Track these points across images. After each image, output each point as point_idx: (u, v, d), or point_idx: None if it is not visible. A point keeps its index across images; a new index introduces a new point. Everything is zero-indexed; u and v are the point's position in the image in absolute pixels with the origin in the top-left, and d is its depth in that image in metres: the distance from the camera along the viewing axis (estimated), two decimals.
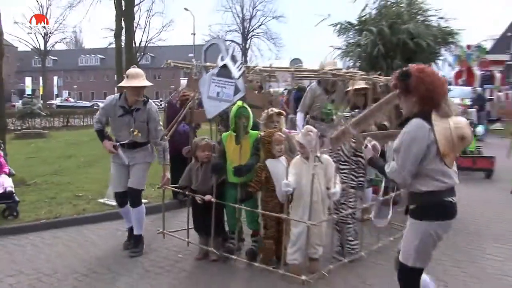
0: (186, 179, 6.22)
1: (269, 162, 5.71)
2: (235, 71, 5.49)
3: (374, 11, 9.51)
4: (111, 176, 6.62)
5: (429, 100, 3.57)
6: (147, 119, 6.22)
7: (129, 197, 6.40)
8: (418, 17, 9.39)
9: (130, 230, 6.64)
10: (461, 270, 5.78)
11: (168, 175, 6.49)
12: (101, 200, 8.70)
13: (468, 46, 28.14)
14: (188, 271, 5.80)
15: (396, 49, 8.86)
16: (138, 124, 6.19)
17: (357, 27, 9.48)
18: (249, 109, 5.88)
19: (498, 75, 30.15)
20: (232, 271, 5.74)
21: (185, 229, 6.52)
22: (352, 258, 5.98)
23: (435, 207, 3.62)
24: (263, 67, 6.16)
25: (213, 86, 5.65)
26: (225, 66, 5.58)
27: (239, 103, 5.89)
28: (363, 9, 9.52)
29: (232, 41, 64.43)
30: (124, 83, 6.15)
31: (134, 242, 6.48)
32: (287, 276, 5.40)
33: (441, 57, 10.18)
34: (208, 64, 5.89)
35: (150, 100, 6.37)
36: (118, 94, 6.35)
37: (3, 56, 11.17)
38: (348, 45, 9.43)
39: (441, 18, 9.57)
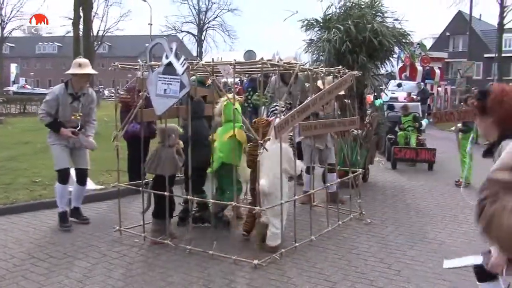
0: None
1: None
2: (179, 68, 5.49)
3: (338, 10, 9.70)
4: (55, 156, 6.74)
5: (508, 122, 3.12)
6: (91, 102, 6.89)
7: (79, 177, 6.94)
8: (377, 18, 9.66)
9: (64, 213, 6.76)
10: (404, 253, 5.90)
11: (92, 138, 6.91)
12: None
13: (411, 44, 28.72)
14: (144, 255, 5.72)
15: (361, 46, 9.12)
16: (85, 108, 6.79)
17: (322, 24, 9.65)
18: None
19: (438, 71, 30.97)
20: (187, 256, 5.67)
21: (141, 224, 6.39)
22: (303, 242, 6.03)
23: None
24: (206, 61, 6.15)
25: (160, 84, 5.66)
26: (169, 63, 5.57)
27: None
28: (328, 8, 9.70)
29: (188, 32, 63.72)
30: (78, 71, 6.65)
31: (79, 213, 6.98)
32: (240, 261, 5.41)
33: (395, 55, 10.57)
34: (153, 63, 5.87)
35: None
36: (63, 84, 6.76)
37: None
38: (318, 40, 9.59)
39: (396, 20, 9.92)
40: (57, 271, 5.18)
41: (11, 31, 64.25)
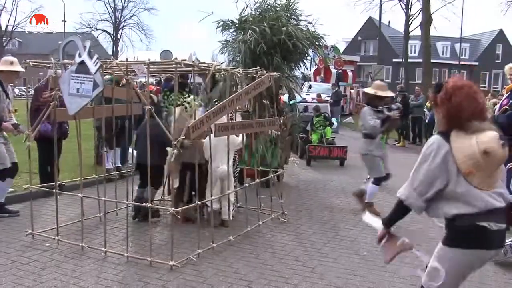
0: None
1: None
2: (92, 67, 5.35)
3: (253, 12, 9.77)
4: (2, 155, 6.75)
5: (454, 119, 3.08)
6: (13, 96, 7.28)
7: (13, 170, 6.98)
8: (292, 21, 9.85)
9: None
10: (318, 250, 6.06)
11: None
12: None
13: (325, 47, 29.58)
14: (57, 260, 5.48)
15: (276, 48, 9.27)
16: (11, 102, 7.09)
17: (237, 25, 9.71)
18: None
19: (350, 74, 32.05)
20: (102, 259, 5.52)
21: (55, 227, 6.13)
22: (221, 242, 6.03)
23: (466, 233, 3.03)
24: (120, 61, 6.05)
25: (73, 83, 5.50)
26: (83, 62, 5.42)
27: None
28: (244, 9, 9.75)
29: (104, 30, 61.88)
30: (10, 68, 6.91)
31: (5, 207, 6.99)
32: (155, 263, 5.33)
33: (309, 57, 10.92)
34: (66, 61, 5.71)
35: None
36: None
37: None
38: (234, 41, 9.62)
39: (310, 23, 10.17)
40: None
41: None
